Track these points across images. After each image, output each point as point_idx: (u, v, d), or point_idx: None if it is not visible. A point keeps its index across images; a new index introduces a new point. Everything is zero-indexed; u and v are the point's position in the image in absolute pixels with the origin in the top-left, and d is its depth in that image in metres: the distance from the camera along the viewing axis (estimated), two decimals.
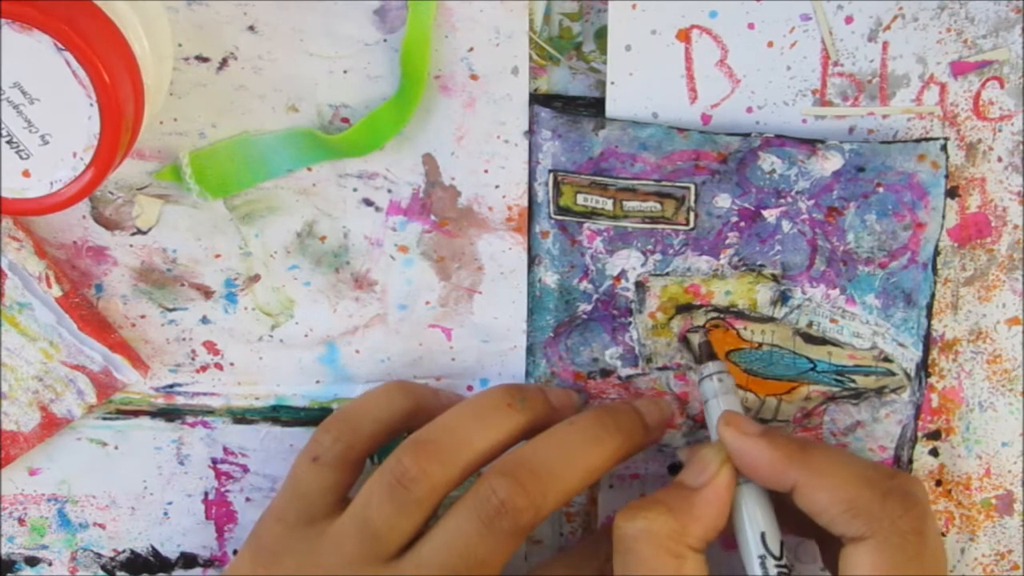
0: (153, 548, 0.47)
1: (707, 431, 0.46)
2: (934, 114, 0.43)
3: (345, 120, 0.42)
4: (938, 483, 0.47)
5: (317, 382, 0.45)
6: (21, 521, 0.46)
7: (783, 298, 0.44)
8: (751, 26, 0.42)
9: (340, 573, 0.39)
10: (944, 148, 0.42)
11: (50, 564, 0.47)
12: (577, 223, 0.43)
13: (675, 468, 0.46)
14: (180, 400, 0.45)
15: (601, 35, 0.42)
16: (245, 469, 0.46)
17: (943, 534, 0.47)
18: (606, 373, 0.45)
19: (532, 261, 0.44)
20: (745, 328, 0.44)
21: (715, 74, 0.42)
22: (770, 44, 0.42)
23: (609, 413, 0.42)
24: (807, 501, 0.39)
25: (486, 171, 0.43)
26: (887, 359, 0.44)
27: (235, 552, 0.45)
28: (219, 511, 0.47)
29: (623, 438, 0.41)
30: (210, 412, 0.46)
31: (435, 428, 0.40)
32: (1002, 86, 0.43)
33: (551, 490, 0.39)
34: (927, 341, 0.44)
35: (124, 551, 0.47)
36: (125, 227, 0.43)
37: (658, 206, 0.43)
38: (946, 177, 0.42)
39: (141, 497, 0.46)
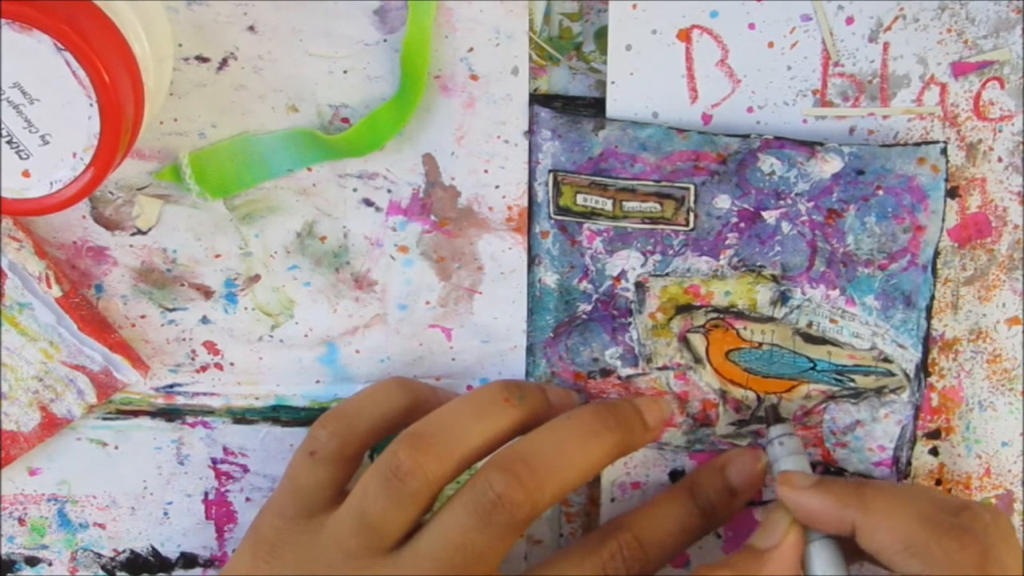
0: (153, 548, 0.47)
1: (708, 430, 0.46)
2: (934, 115, 0.43)
3: (345, 120, 0.42)
4: (938, 482, 0.47)
5: (317, 382, 0.45)
6: (21, 521, 0.47)
7: (783, 298, 0.44)
8: (752, 26, 0.42)
9: (339, 565, 0.39)
10: (944, 151, 0.42)
11: (50, 564, 0.47)
12: (577, 223, 0.43)
13: (676, 474, 0.46)
14: (180, 400, 0.45)
15: (601, 35, 0.42)
16: (245, 469, 0.46)
17: None
18: (606, 373, 0.45)
19: (532, 261, 0.44)
20: (745, 328, 0.44)
21: (716, 74, 0.42)
22: (771, 44, 0.42)
23: (608, 408, 0.42)
24: (867, 541, 0.39)
25: (486, 171, 0.43)
26: (886, 359, 0.44)
27: (235, 552, 0.45)
28: (219, 511, 0.47)
29: (621, 434, 0.42)
30: (210, 412, 0.46)
31: (431, 422, 0.41)
32: (1002, 86, 0.43)
33: (548, 484, 0.39)
34: (926, 342, 0.44)
35: (124, 551, 0.47)
36: (125, 227, 0.43)
37: (658, 207, 0.43)
38: (946, 180, 0.42)
39: (141, 497, 0.47)
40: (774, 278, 0.44)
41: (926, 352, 0.44)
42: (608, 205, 0.43)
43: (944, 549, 0.38)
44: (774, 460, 0.43)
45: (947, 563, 0.38)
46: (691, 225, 0.43)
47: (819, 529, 0.41)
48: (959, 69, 0.42)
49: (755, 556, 0.41)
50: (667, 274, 0.44)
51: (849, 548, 0.41)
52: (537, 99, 0.43)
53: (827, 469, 0.46)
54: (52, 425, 0.45)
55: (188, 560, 0.47)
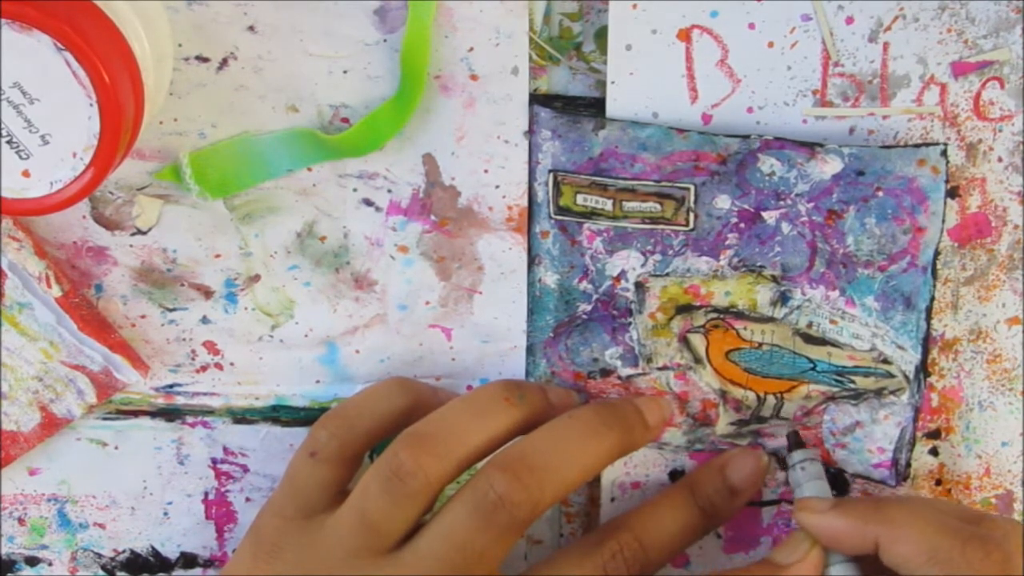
0: (153, 548, 0.47)
1: (708, 430, 0.46)
2: (934, 115, 0.43)
3: (345, 120, 0.42)
4: (938, 482, 0.47)
5: (317, 382, 0.45)
6: (21, 521, 0.47)
7: (783, 299, 0.44)
8: (752, 26, 0.42)
9: (339, 565, 0.39)
10: (944, 153, 0.42)
11: (50, 564, 0.47)
12: (577, 223, 0.43)
13: (676, 474, 0.46)
14: (180, 400, 0.45)
15: (601, 35, 0.42)
16: (245, 469, 0.46)
17: None
18: (606, 373, 0.45)
19: (532, 261, 0.44)
20: (745, 328, 0.44)
21: (716, 74, 0.42)
22: (771, 44, 0.42)
23: (608, 408, 0.42)
24: (890, 556, 0.39)
25: (486, 171, 0.43)
26: (886, 361, 0.44)
27: (235, 552, 0.45)
28: (219, 511, 0.47)
29: (622, 433, 0.42)
30: (210, 412, 0.46)
31: (432, 422, 0.41)
32: (1002, 86, 0.43)
33: (549, 484, 0.39)
34: (926, 344, 0.44)
35: (124, 551, 0.47)
36: (125, 227, 0.43)
37: (658, 207, 0.43)
38: (946, 182, 0.42)
39: (141, 497, 0.47)
40: (774, 278, 0.44)
41: (926, 354, 0.44)
42: (608, 205, 0.43)
43: (968, 558, 0.38)
44: (796, 485, 0.43)
45: (971, 571, 0.38)
46: (691, 225, 0.43)
47: (842, 548, 0.41)
48: (959, 69, 0.42)
49: (774, 570, 0.41)
50: (667, 274, 0.44)
51: (868, 569, 0.41)
52: (537, 99, 0.43)
53: (826, 470, 0.46)
54: (52, 425, 0.45)
55: (188, 560, 0.48)
